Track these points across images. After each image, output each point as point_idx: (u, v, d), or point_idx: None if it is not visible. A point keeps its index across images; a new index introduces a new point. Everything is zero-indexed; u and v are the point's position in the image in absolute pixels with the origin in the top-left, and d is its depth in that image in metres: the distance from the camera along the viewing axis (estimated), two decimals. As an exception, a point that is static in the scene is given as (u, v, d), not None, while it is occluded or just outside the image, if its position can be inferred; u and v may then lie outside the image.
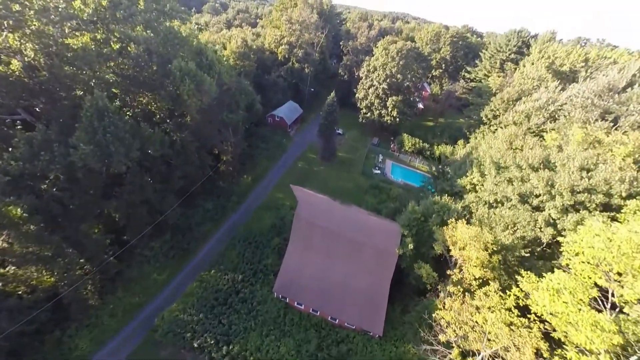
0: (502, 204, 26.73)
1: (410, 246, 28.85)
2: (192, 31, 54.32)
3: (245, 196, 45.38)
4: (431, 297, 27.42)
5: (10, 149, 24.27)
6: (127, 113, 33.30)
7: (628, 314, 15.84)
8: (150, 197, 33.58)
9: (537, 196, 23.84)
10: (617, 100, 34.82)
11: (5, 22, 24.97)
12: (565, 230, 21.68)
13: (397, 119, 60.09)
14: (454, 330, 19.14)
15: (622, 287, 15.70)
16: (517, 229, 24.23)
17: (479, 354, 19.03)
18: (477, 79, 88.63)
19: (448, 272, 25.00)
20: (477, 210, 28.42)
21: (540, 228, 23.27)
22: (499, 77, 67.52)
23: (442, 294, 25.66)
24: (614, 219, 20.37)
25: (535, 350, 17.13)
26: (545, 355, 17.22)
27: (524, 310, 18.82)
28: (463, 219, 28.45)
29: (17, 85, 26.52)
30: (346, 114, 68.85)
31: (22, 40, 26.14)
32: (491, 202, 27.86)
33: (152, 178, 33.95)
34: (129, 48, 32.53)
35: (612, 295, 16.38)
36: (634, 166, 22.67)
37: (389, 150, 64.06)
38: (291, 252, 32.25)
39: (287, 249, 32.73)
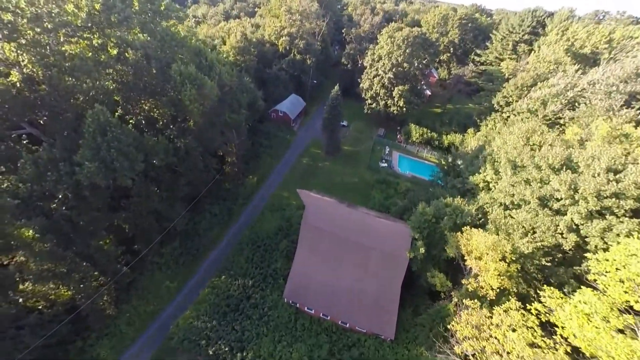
0: (519, 207, 25.45)
1: (422, 250, 28.22)
2: (190, 29, 52.73)
3: (250, 197, 45.11)
4: (444, 303, 26.91)
5: (17, 171, 24.14)
6: (130, 121, 32.72)
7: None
8: (158, 206, 33.64)
9: (558, 200, 22.43)
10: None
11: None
12: (589, 237, 20.49)
13: (404, 109, 57.91)
14: (471, 345, 18.62)
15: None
16: (537, 235, 23.09)
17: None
18: (487, 62, 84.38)
19: (463, 281, 24.26)
20: (492, 213, 27.29)
21: (562, 234, 22.04)
22: (512, 60, 63.89)
23: (455, 300, 25.10)
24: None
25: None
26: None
27: (547, 325, 18.06)
28: (477, 225, 27.65)
29: (19, 100, 26.10)
30: (350, 104, 66.89)
31: (18, 51, 25.50)
32: (507, 204, 26.56)
33: (158, 187, 33.80)
34: (126, 54, 31.63)
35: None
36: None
37: (396, 141, 62.13)
38: (300, 257, 32.08)
39: (295, 254, 32.58)
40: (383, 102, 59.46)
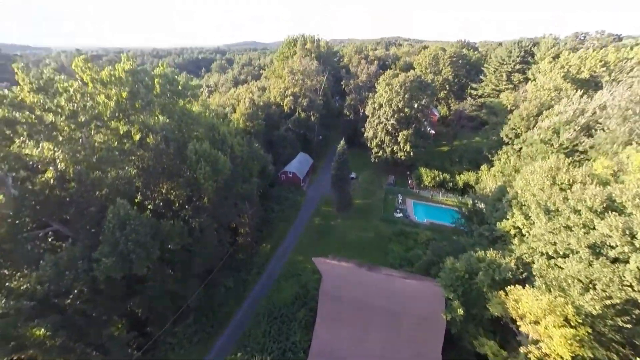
0: (566, 256, 22.77)
1: (460, 311, 25.19)
2: (204, 102, 57.72)
3: (264, 265, 43.78)
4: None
5: (38, 270, 24.44)
6: (148, 206, 33.79)
7: None
8: (172, 287, 32.89)
9: (612, 247, 19.91)
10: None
11: (41, 135, 26.10)
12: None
13: (411, 153, 57.96)
14: None
15: None
16: (598, 289, 20.07)
17: None
18: (485, 94, 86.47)
19: (522, 350, 20.75)
20: (535, 264, 24.60)
21: (632, 286, 19.03)
22: (509, 91, 64.99)
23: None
24: None
25: None
26: None
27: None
28: (520, 280, 24.85)
29: (50, 199, 27.27)
30: (355, 153, 67.72)
31: (55, 149, 26.81)
32: (550, 253, 23.94)
33: (172, 269, 33.41)
34: (148, 139, 33.69)
35: None
36: None
37: (407, 187, 60.93)
38: (320, 331, 29.28)
39: (314, 329, 29.85)
40: (389, 148, 60.11)
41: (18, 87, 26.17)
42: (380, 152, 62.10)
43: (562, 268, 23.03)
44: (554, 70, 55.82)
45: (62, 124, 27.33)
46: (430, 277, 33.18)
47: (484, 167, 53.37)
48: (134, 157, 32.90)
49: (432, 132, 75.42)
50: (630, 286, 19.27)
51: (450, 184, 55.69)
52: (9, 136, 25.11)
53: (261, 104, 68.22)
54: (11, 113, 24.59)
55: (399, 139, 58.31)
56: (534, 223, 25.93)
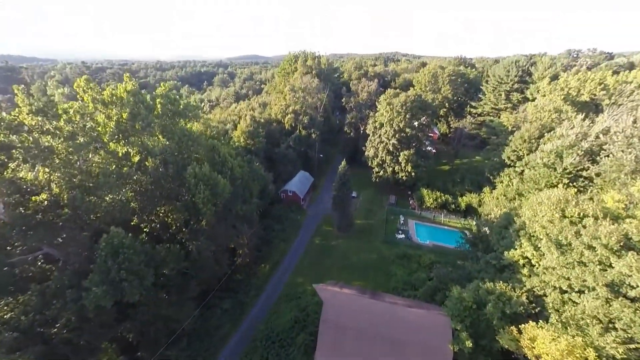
0: (582, 292, 21.79)
1: (468, 343, 24.01)
2: (206, 120, 57.47)
3: (263, 287, 42.21)
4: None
5: (18, 302, 23.11)
6: (144, 230, 32.71)
7: None
8: (166, 312, 31.32)
9: (633, 287, 19.02)
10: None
11: (37, 159, 25.23)
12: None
13: (413, 174, 57.47)
14: None
15: None
16: (619, 329, 19.01)
17: None
18: (484, 113, 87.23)
19: None
20: (547, 298, 23.56)
21: None
22: (510, 113, 65.49)
23: None
24: None
25: None
26: None
27: None
28: (532, 314, 23.77)
29: (41, 225, 26.19)
30: (356, 172, 67.19)
31: (50, 172, 26.16)
32: (564, 288, 22.94)
33: (167, 293, 31.94)
34: (147, 162, 32.91)
35: None
36: None
37: (409, 207, 60.04)
38: None
39: (315, 357, 28.32)
40: (390, 168, 59.67)
41: (17, 109, 25.67)
42: (382, 172, 61.61)
43: (577, 303, 22.08)
44: (554, 93, 56.31)
45: (59, 146, 26.70)
46: (435, 303, 32.07)
47: (486, 189, 52.76)
48: (131, 181, 32.01)
49: (433, 151, 75.55)
50: (653, 327, 18.32)
51: (453, 206, 54.84)
52: (3, 161, 24.39)
53: (262, 120, 68.32)
54: (7, 137, 23.97)
55: (400, 159, 57.98)
56: (544, 255, 25.02)
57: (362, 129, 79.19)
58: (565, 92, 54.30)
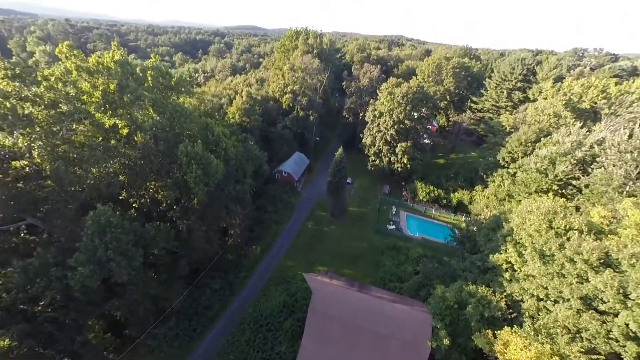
0: (557, 302, 22.99)
1: (446, 341, 25.37)
2: (199, 94, 54.80)
3: (254, 268, 42.60)
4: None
5: (1, 279, 22.47)
6: (133, 205, 31.77)
7: None
8: (155, 291, 31.42)
9: (604, 302, 20.10)
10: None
11: (15, 127, 23.87)
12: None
13: (408, 166, 57.54)
14: None
15: None
16: (584, 340, 20.32)
17: None
18: (484, 109, 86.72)
19: None
20: (524, 304, 24.82)
21: (617, 341, 19.29)
22: (510, 113, 65.22)
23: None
24: None
25: None
26: None
27: None
28: (508, 319, 25.06)
29: (23, 196, 25.17)
30: (353, 158, 66.66)
31: (31, 140, 24.85)
32: (540, 296, 24.15)
33: (156, 272, 31.87)
34: (135, 138, 31.50)
35: None
36: None
37: (402, 199, 60.66)
38: (306, 346, 28.99)
39: (301, 343, 29.51)
40: (387, 158, 59.40)
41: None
42: (378, 161, 61.38)
43: (550, 311, 23.35)
44: (557, 97, 56.05)
45: (40, 115, 24.87)
46: (419, 298, 33.43)
47: (478, 187, 53.62)
48: (119, 155, 30.64)
49: (430, 143, 75.36)
50: (616, 340, 19.62)
51: (445, 201, 55.78)
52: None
53: (259, 98, 65.71)
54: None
55: (397, 150, 57.65)
56: (526, 262, 26.00)
57: (361, 115, 77.68)
58: (567, 98, 54.14)
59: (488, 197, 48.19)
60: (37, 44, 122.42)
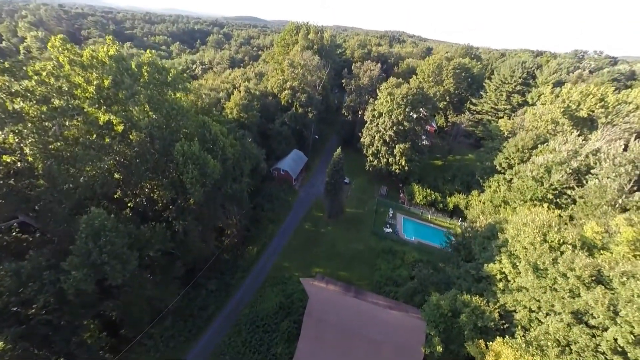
0: (549, 315, 23.48)
1: (439, 348, 25.86)
2: (197, 90, 53.66)
3: (250, 269, 42.55)
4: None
5: None
6: (129, 204, 31.22)
7: None
8: (151, 292, 31.25)
9: (594, 317, 20.60)
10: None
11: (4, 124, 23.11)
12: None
13: (406, 168, 57.61)
14: None
15: None
16: (573, 354, 20.87)
17: None
18: (483, 111, 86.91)
19: None
20: (516, 315, 25.33)
21: (605, 355, 19.87)
22: (508, 118, 65.41)
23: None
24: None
25: None
26: None
27: None
28: (500, 329, 25.56)
29: (14, 195, 24.53)
30: (351, 157, 66.44)
31: (22, 136, 23.93)
32: (533, 308, 24.65)
33: (152, 273, 31.60)
34: (130, 136, 30.75)
35: None
36: None
37: (398, 201, 60.86)
38: (302, 348, 29.35)
39: (297, 346, 29.82)
40: (385, 159, 59.30)
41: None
42: (376, 162, 61.28)
43: (542, 322, 23.86)
44: (555, 104, 56.25)
45: (31, 110, 24.01)
46: (413, 304, 33.87)
47: (474, 192, 54.02)
48: (113, 153, 29.90)
49: (428, 144, 75.48)
50: (604, 354, 20.19)
51: (441, 205, 56.12)
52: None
53: (257, 93, 64.67)
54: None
55: (395, 151, 57.59)
56: (520, 273, 26.40)
57: (360, 113, 77.21)
58: (565, 105, 54.35)
59: (484, 203, 48.62)
60: (28, 30, 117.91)
